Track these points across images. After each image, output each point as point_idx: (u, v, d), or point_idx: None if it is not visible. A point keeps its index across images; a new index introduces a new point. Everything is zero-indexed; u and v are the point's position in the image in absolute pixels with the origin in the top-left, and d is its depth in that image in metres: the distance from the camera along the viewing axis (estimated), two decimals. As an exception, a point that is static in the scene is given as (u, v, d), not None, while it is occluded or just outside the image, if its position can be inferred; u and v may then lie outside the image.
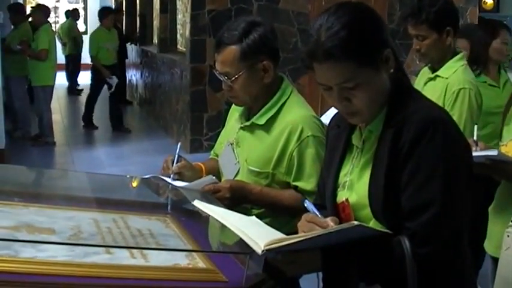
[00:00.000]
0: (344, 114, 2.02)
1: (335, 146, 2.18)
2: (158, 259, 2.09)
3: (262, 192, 2.77)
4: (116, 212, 2.60)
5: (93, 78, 11.70)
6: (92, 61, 11.53)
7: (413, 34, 3.67)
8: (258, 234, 1.87)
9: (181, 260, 2.11)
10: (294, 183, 2.75)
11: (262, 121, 2.81)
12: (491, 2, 15.60)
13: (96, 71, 11.46)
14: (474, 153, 2.96)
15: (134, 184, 3.16)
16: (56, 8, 22.06)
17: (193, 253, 2.17)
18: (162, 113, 11.63)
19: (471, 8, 11.20)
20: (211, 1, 9.65)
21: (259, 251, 1.77)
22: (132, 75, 14.91)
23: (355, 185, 2.05)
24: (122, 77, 15.11)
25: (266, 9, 9.63)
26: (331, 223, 1.88)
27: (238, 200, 2.75)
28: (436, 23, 3.60)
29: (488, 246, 3.06)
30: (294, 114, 2.77)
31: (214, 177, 2.82)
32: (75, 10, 17.75)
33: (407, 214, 1.89)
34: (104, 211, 2.61)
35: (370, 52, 1.91)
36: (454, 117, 3.42)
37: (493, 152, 2.79)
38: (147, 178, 2.96)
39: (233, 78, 2.74)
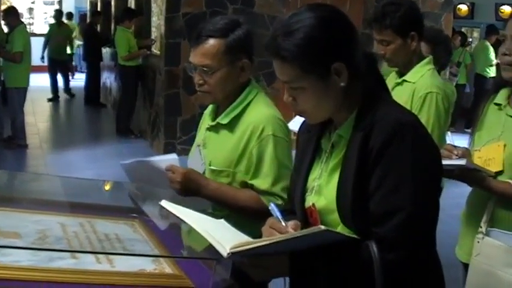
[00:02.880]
0: (294, 111, 2.04)
1: (305, 150, 2.18)
2: (124, 264, 2.08)
3: (219, 189, 2.72)
4: (84, 216, 2.57)
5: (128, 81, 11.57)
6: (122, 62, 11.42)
7: (378, 39, 3.65)
8: (224, 237, 1.86)
9: (147, 265, 2.10)
10: (250, 182, 2.71)
11: (225, 120, 2.79)
12: (466, 8, 15.73)
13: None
14: (444, 162, 2.98)
15: (107, 188, 3.13)
16: (31, 9, 21.94)
17: (161, 258, 2.15)
18: (136, 116, 11.58)
19: (446, 14, 11.28)
20: (187, 4, 9.62)
21: (224, 253, 1.76)
22: (106, 78, 14.85)
23: (323, 190, 2.04)
24: (97, 79, 15.12)
25: (241, 12, 9.61)
26: (291, 230, 1.88)
27: (190, 190, 2.70)
28: (401, 28, 3.57)
29: (459, 252, 3.05)
30: (258, 114, 2.74)
31: (177, 157, 2.80)
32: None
33: (375, 219, 1.87)
34: (72, 215, 2.59)
35: (316, 63, 1.91)
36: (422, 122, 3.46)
37: (462, 162, 2.78)
38: (127, 163, 2.89)
39: (212, 72, 2.71)
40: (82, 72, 18.46)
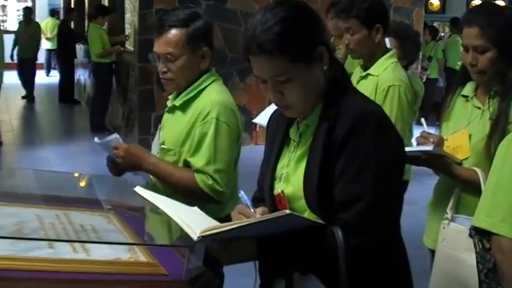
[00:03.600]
0: (278, 107, 2.10)
1: (274, 139, 2.25)
2: (100, 253, 2.14)
3: (157, 164, 2.94)
4: (60, 208, 2.63)
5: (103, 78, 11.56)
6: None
7: (343, 27, 3.74)
8: (195, 222, 1.92)
9: (123, 254, 2.16)
10: (188, 159, 2.90)
11: (179, 102, 2.98)
12: (438, 3, 15.86)
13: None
14: (410, 148, 3.08)
15: (81, 181, 3.19)
16: (3, 6, 21.82)
17: (135, 247, 2.22)
18: (110, 112, 11.59)
19: (417, 9, 11.41)
20: (160, 0, 9.66)
21: (194, 237, 1.83)
22: (80, 75, 14.83)
23: (291, 177, 2.11)
24: (71, 76, 15.09)
25: (214, 9, 9.67)
26: (258, 215, 1.95)
27: (132, 164, 2.95)
28: (367, 19, 3.67)
29: (426, 240, 3.14)
30: (208, 99, 2.92)
31: (118, 136, 3.00)
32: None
33: (339, 205, 1.95)
34: (48, 207, 2.64)
35: (303, 48, 1.98)
36: (385, 113, 3.54)
37: (429, 147, 2.89)
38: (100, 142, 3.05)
39: (175, 59, 2.89)
40: (55, 69, 18.41)
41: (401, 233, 2.16)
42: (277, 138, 2.23)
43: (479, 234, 2.26)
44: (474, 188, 2.82)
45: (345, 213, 1.94)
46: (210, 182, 2.83)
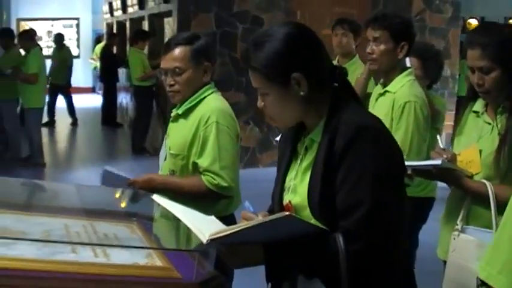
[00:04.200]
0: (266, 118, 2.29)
1: (283, 153, 2.40)
2: (119, 258, 2.29)
3: (165, 181, 3.31)
4: (87, 219, 2.80)
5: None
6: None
7: (371, 36, 3.89)
8: (206, 227, 2.07)
9: (140, 259, 2.31)
10: (196, 161, 3.21)
11: (181, 111, 3.31)
12: (476, 23, 15.84)
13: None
14: (420, 163, 3.20)
15: (115, 195, 3.39)
16: (49, 32, 22.28)
17: (153, 254, 2.37)
18: (151, 135, 11.81)
19: (453, 29, 11.46)
20: (197, 24, 9.89)
21: (204, 240, 1.98)
22: (123, 98, 15.11)
23: (298, 188, 2.25)
24: (113, 100, 15.38)
25: (251, 32, 9.84)
26: (260, 217, 2.10)
27: (150, 189, 3.21)
28: (396, 33, 3.83)
29: (439, 251, 3.23)
30: (208, 106, 3.26)
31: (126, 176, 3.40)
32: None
33: (341, 213, 2.07)
34: (76, 218, 2.81)
35: (278, 72, 2.16)
36: (401, 130, 3.69)
37: (437, 161, 3.00)
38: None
39: (181, 72, 3.25)
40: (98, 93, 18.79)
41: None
42: (286, 152, 2.38)
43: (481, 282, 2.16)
44: (483, 200, 2.92)
45: (346, 221, 2.05)
46: (216, 181, 3.15)
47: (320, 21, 10.35)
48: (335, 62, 5.22)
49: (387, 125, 3.68)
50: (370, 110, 4.03)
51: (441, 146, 3.21)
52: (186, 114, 3.33)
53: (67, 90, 15.27)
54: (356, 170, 2.07)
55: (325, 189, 2.12)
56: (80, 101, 18.51)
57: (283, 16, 10.09)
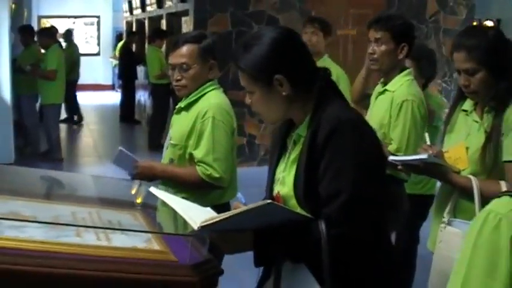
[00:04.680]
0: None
1: (274, 148, 2.58)
2: (120, 242, 2.47)
3: (164, 169, 3.56)
4: (93, 206, 2.98)
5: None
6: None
7: (373, 38, 4.05)
8: (198, 216, 2.25)
9: (140, 243, 2.49)
10: (192, 151, 3.45)
11: (183, 104, 3.54)
12: (492, 24, 15.81)
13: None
14: (406, 157, 3.36)
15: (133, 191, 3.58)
16: (70, 30, 22.50)
17: (152, 239, 2.55)
18: (167, 131, 11.95)
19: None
20: (214, 24, 10.07)
21: (195, 227, 2.15)
22: (141, 96, 15.30)
23: (286, 179, 2.43)
24: (132, 97, 15.59)
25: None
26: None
27: (149, 176, 3.54)
28: (397, 35, 3.99)
29: (429, 243, 3.37)
30: (207, 101, 3.47)
31: (134, 157, 3.70)
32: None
33: (323, 201, 2.25)
34: (83, 205, 2.99)
35: (261, 73, 2.35)
36: (399, 127, 3.85)
37: (424, 156, 3.16)
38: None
39: (188, 68, 3.46)
40: (117, 91, 18.97)
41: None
42: (276, 147, 2.56)
43: None
44: (470, 194, 3.07)
45: (328, 208, 2.23)
46: (209, 171, 3.37)
47: (335, 21, 10.46)
48: None
49: (386, 123, 3.87)
50: (371, 108, 4.20)
51: (428, 143, 3.36)
52: (187, 108, 3.56)
53: (73, 87, 15.08)
54: (337, 160, 2.24)
55: (309, 180, 2.29)
56: (100, 98, 18.79)
57: (298, 16, 10.23)
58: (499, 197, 1.73)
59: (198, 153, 3.45)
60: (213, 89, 3.57)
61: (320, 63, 5.74)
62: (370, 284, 2.34)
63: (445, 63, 10.98)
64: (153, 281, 2.27)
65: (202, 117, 3.46)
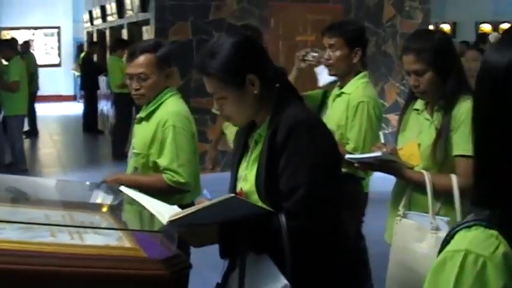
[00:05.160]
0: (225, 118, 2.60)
1: (237, 148, 2.74)
2: (93, 241, 2.61)
3: (130, 179, 3.60)
4: (65, 210, 3.11)
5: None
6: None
7: (328, 44, 4.25)
8: (166, 212, 2.39)
9: (112, 242, 2.63)
10: (156, 160, 3.55)
11: (144, 114, 3.65)
12: (449, 28, 16.18)
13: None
14: (362, 155, 3.54)
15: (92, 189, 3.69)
16: (30, 41, 22.45)
17: (123, 237, 2.68)
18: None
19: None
20: (174, 33, 10.19)
21: (164, 222, 2.30)
22: (103, 106, 15.34)
23: (248, 176, 2.59)
24: (94, 107, 15.62)
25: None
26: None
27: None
28: (351, 40, 4.20)
29: (386, 235, 3.55)
30: (166, 110, 3.59)
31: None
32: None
33: (283, 195, 2.41)
34: (56, 209, 3.11)
35: (233, 75, 2.48)
36: (356, 128, 4.02)
37: (378, 153, 3.35)
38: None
39: (146, 78, 3.56)
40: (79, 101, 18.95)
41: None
42: (239, 147, 2.72)
43: None
44: (423, 188, 3.26)
45: (287, 202, 2.39)
46: (175, 178, 3.48)
47: (294, 28, 10.73)
48: None
49: (343, 124, 4.05)
50: (328, 110, 4.39)
51: (382, 141, 3.54)
52: (148, 118, 3.68)
53: (32, 99, 14.68)
54: (295, 158, 2.40)
55: (270, 176, 2.45)
56: (62, 109, 18.77)
57: (257, 23, 10.40)
58: (468, 227, 1.32)
59: (163, 161, 3.56)
60: (170, 96, 3.69)
61: None
62: (330, 273, 2.51)
63: (403, 67, 11.19)
64: (126, 276, 2.40)
65: (163, 126, 3.57)
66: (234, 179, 2.68)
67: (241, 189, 2.59)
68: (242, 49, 2.51)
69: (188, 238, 2.45)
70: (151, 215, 2.52)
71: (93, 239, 2.64)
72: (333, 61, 4.25)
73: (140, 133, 3.72)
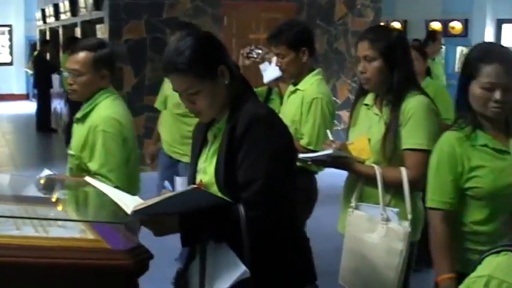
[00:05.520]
0: (193, 113, 2.69)
1: (196, 142, 2.85)
2: (57, 233, 2.69)
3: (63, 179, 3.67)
4: (29, 205, 3.17)
5: None
6: None
7: (275, 53, 4.38)
8: (130, 202, 2.48)
9: (75, 233, 2.72)
10: (87, 164, 3.59)
11: (79, 115, 3.68)
12: (399, 26, 16.36)
13: None
14: (314, 154, 3.68)
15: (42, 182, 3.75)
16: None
17: (86, 230, 2.76)
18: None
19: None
20: (128, 31, 10.24)
21: (128, 211, 2.40)
22: (57, 104, 15.29)
23: (207, 169, 2.70)
24: (47, 106, 15.54)
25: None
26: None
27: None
28: (293, 44, 4.31)
29: (339, 226, 3.68)
30: (99, 114, 3.61)
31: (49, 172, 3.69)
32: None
33: (241, 186, 2.53)
34: (19, 204, 3.17)
35: (207, 67, 2.58)
36: (309, 124, 4.15)
37: (329, 151, 3.49)
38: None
39: (79, 75, 3.60)
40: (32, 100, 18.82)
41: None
42: (198, 141, 2.83)
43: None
44: (373, 181, 3.41)
45: (246, 193, 2.51)
46: (107, 182, 3.42)
47: (247, 26, 10.84)
48: None
49: (297, 119, 4.18)
50: (283, 106, 4.51)
51: (330, 138, 3.67)
52: (83, 119, 3.69)
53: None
54: (253, 150, 2.52)
55: (229, 168, 2.57)
56: (15, 108, 18.62)
57: (210, 22, 10.52)
58: (497, 253, 1.39)
59: (93, 166, 3.58)
60: (105, 98, 3.68)
61: None
62: (285, 260, 2.65)
63: (354, 64, 11.40)
64: (90, 265, 2.49)
65: (94, 131, 3.57)
66: (194, 171, 2.79)
67: (200, 180, 2.71)
68: (207, 42, 2.63)
69: (150, 227, 2.54)
70: (114, 207, 2.60)
71: (57, 232, 2.71)
72: (283, 67, 4.39)
73: (76, 134, 3.74)
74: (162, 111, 5.90)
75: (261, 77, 4.95)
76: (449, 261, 2.87)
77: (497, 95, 2.74)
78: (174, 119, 5.63)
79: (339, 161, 3.52)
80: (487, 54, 2.80)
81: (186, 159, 5.45)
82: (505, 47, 2.97)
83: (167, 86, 5.51)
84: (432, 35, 10.50)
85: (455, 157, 2.85)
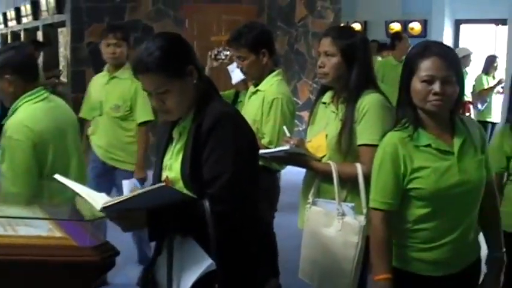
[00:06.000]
0: (160, 113, 2.80)
1: (161, 140, 2.96)
2: (25, 232, 2.79)
3: None
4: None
5: None
6: None
7: (235, 55, 4.50)
8: (99, 199, 2.57)
9: (43, 232, 2.82)
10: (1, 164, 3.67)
11: (4, 121, 3.74)
12: (360, 27, 16.52)
13: None
14: (271, 150, 3.80)
15: None
16: None
17: (53, 228, 2.86)
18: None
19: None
20: (90, 34, 10.24)
21: (98, 208, 2.49)
22: None
23: (173, 166, 2.81)
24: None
25: (142, 40, 10.20)
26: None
27: None
28: (253, 46, 4.43)
29: (299, 222, 3.78)
30: (14, 119, 3.69)
31: None
32: None
33: (206, 182, 2.64)
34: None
35: (177, 67, 2.69)
36: (270, 123, 4.28)
37: (286, 147, 3.61)
38: None
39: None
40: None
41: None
42: (163, 139, 2.94)
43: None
44: (329, 178, 3.52)
45: (211, 188, 2.63)
46: (10, 188, 3.61)
47: (208, 29, 10.92)
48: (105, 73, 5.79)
49: (258, 119, 4.30)
50: (245, 107, 4.62)
51: (288, 135, 3.80)
52: (6, 124, 3.71)
53: None
54: (219, 147, 2.64)
55: (194, 165, 2.68)
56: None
57: (172, 24, 10.57)
58: None
59: (3, 168, 3.64)
60: (25, 103, 3.70)
61: (123, 72, 5.66)
62: (249, 254, 2.79)
63: (315, 66, 11.52)
64: (58, 262, 2.60)
65: (4, 136, 3.64)
66: (159, 169, 2.90)
67: (166, 177, 2.82)
68: (176, 43, 2.75)
69: (118, 223, 2.63)
70: (81, 205, 2.70)
71: (26, 231, 2.81)
72: (245, 69, 4.51)
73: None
74: (91, 119, 5.77)
75: (229, 79, 5.07)
76: (386, 262, 2.91)
77: (437, 86, 2.79)
78: (112, 123, 5.57)
79: (296, 157, 3.65)
80: (425, 49, 2.87)
81: (125, 166, 5.54)
82: (443, 44, 3.08)
83: (98, 93, 5.66)
84: (396, 35, 10.71)
85: (397, 158, 2.86)
